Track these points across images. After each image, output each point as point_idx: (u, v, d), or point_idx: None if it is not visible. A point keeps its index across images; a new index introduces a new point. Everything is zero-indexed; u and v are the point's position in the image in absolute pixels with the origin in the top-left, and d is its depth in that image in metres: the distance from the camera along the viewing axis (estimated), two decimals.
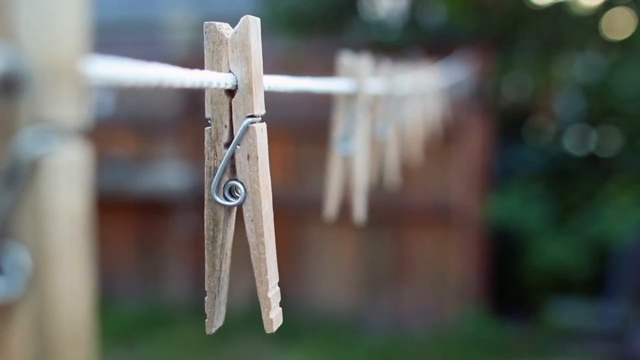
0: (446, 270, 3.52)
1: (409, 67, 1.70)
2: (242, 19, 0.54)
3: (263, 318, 0.56)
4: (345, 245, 3.64)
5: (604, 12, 3.62)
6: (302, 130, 3.55)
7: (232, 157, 0.55)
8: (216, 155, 0.55)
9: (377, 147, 1.25)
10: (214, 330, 0.57)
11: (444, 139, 2.77)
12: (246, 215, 0.55)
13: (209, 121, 0.55)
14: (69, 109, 0.32)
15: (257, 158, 0.54)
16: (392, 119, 1.33)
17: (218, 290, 0.57)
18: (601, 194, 3.63)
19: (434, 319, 3.50)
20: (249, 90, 0.54)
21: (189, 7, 3.99)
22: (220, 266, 0.56)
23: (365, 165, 1.04)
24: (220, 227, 0.56)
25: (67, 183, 0.32)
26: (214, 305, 0.57)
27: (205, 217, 0.56)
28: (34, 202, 0.31)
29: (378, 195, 1.73)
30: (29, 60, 0.31)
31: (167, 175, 3.74)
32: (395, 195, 2.64)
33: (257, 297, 0.56)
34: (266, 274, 0.55)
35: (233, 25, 0.55)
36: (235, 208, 0.56)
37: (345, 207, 1.00)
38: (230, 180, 0.55)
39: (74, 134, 0.32)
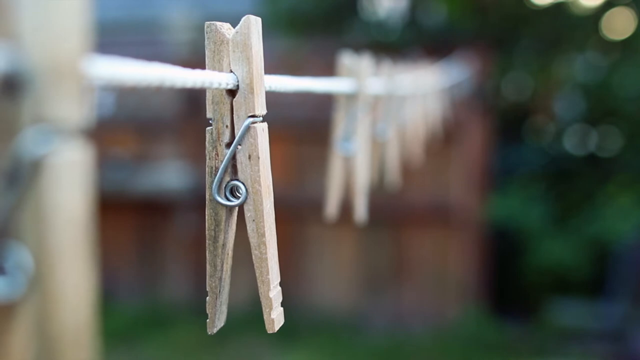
0: (446, 270, 3.52)
1: (409, 67, 1.70)
2: (243, 18, 0.54)
3: (265, 318, 0.56)
4: (345, 245, 3.64)
5: (604, 12, 3.62)
6: (303, 130, 3.55)
7: (234, 157, 0.55)
8: (217, 156, 0.55)
9: (377, 147, 1.25)
10: (215, 330, 0.57)
11: (444, 139, 2.76)
12: (247, 215, 0.55)
13: (210, 121, 0.55)
14: (71, 109, 0.32)
15: (259, 158, 0.54)
16: (392, 119, 1.33)
17: (219, 291, 0.57)
18: (601, 194, 3.63)
19: (434, 318, 3.50)
20: (250, 90, 0.54)
21: (189, 7, 3.99)
22: (222, 266, 0.56)
23: (366, 165, 1.04)
24: (222, 227, 0.56)
25: (68, 183, 0.32)
26: (216, 306, 0.57)
27: (206, 217, 0.56)
28: (36, 202, 0.31)
29: (378, 195, 1.73)
30: (31, 60, 0.31)
31: (168, 175, 3.74)
32: (396, 195, 2.64)
33: (258, 297, 0.56)
34: (268, 273, 0.55)
35: (234, 25, 0.55)
36: (237, 208, 0.56)
37: (346, 207, 1.00)
38: (232, 180, 0.55)
39: (75, 134, 0.32)
